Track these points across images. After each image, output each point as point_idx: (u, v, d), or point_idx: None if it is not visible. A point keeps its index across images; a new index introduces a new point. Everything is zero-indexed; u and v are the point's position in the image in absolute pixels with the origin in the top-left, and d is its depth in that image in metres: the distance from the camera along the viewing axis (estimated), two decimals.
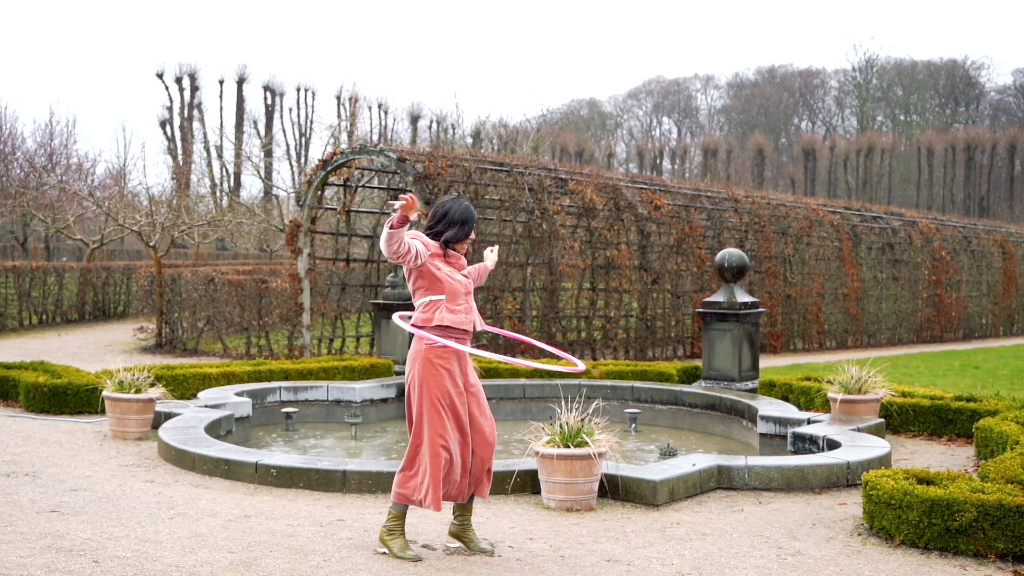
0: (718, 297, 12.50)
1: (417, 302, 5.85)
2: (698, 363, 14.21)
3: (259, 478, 7.69)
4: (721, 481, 7.72)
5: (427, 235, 5.92)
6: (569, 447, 6.89)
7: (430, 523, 6.50)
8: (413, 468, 5.74)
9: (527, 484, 7.43)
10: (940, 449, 9.62)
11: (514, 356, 16.23)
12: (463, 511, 5.89)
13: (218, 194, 49.27)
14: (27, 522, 6.23)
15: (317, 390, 11.71)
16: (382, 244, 5.58)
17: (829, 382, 10.36)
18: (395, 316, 6.14)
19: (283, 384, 11.66)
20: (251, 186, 53.36)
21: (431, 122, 55.29)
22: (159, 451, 8.69)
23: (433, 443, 5.64)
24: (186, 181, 43.91)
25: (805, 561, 5.82)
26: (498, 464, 7.63)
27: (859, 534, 6.38)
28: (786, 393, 11.50)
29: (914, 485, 6.16)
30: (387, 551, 5.73)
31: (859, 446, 8.40)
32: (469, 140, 45.00)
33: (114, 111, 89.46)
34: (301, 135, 59.37)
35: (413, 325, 5.78)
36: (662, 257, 20.51)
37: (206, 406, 10.12)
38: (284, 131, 58.39)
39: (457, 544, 5.95)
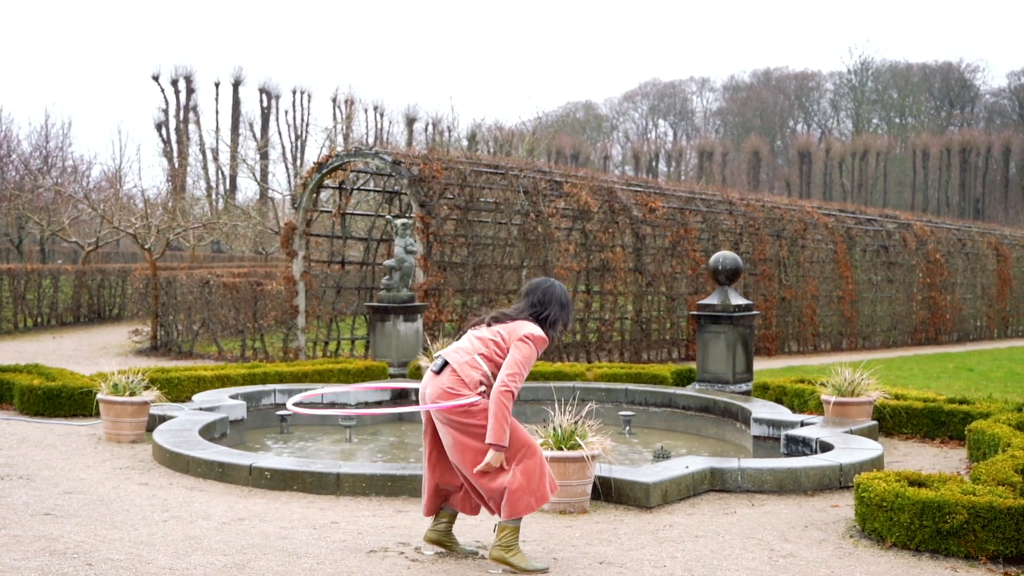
0: (712, 300, 12.53)
1: (483, 365, 5.61)
2: (692, 365, 14.23)
3: (253, 481, 7.70)
4: (714, 483, 7.74)
5: (530, 316, 5.76)
6: (562, 449, 6.91)
7: (422, 527, 6.50)
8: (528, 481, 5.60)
9: None
10: (933, 451, 9.65)
11: None
12: (451, 517, 5.90)
13: (214, 196, 49.26)
14: (21, 525, 6.24)
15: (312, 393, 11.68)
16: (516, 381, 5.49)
17: (823, 384, 10.39)
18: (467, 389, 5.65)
19: (278, 387, 11.67)
20: (247, 188, 53.42)
21: (427, 124, 55.28)
22: (153, 454, 8.70)
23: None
24: (182, 183, 43.93)
25: (797, 563, 5.84)
26: None
27: (851, 536, 6.41)
28: (780, 395, 11.52)
29: (906, 487, 6.18)
30: (512, 569, 5.55)
31: (852, 448, 8.43)
32: (465, 142, 45.01)
33: (110, 113, 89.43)
34: (297, 137, 59.37)
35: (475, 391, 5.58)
36: (657, 259, 20.55)
37: (200, 409, 10.14)
38: (280, 133, 58.39)
39: (437, 550, 5.94)
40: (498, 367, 5.60)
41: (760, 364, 17.94)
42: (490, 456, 5.46)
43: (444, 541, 5.88)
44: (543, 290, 5.85)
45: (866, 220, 27.61)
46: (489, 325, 5.76)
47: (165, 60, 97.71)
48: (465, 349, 5.69)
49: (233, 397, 10.89)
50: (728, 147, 75.92)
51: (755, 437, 9.96)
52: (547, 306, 5.82)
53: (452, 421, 5.56)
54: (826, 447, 8.63)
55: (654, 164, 77.82)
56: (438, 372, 5.63)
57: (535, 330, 5.67)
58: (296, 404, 6.29)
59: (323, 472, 7.58)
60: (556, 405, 7.26)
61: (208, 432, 9.26)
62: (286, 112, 59.76)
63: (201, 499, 7.21)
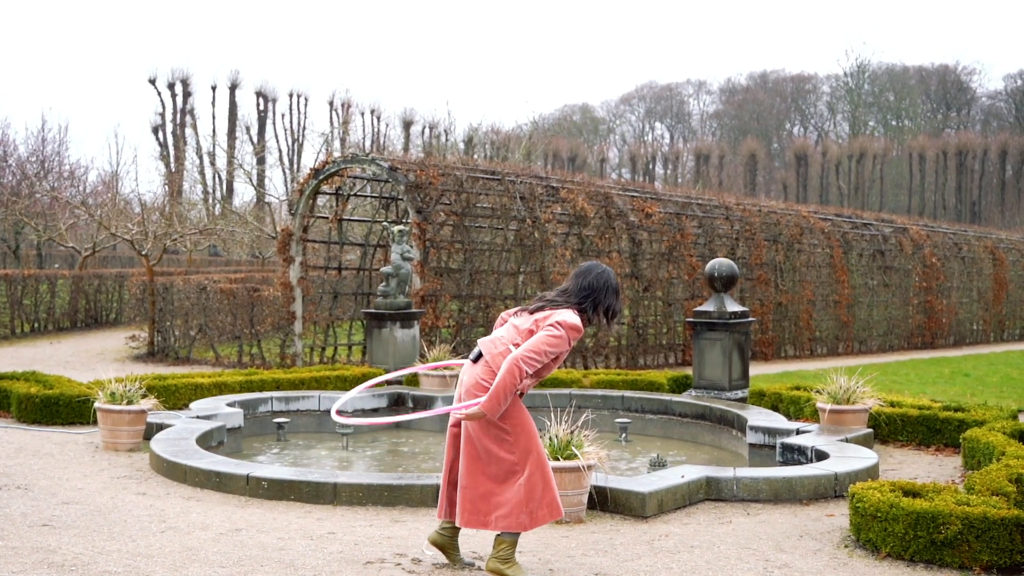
0: (708, 307, 12.54)
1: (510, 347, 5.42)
2: (689, 371, 14.26)
3: (250, 490, 7.71)
4: (710, 492, 7.77)
5: (575, 303, 5.49)
6: (559, 459, 6.92)
7: (419, 537, 6.53)
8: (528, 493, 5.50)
9: None
10: (928, 459, 9.68)
11: None
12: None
13: (210, 201, 49.22)
14: (19, 536, 6.26)
15: (309, 400, 11.73)
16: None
17: (818, 392, 10.42)
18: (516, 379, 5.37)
19: (275, 394, 11.69)
20: (243, 193, 53.28)
21: (424, 128, 55.30)
22: (151, 463, 8.71)
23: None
24: (178, 188, 43.82)
25: (792, 573, 5.87)
26: None
27: (846, 546, 6.44)
28: (775, 402, 11.55)
29: (900, 497, 6.21)
30: None
31: (847, 457, 8.46)
32: (461, 146, 45.04)
33: (106, 117, 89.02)
34: (294, 141, 59.28)
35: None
36: (653, 265, 20.58)
37: (197, 417, 10.15)
38: (276, 137, 58.30)
39: (434, 552, 5.96)
40: None
41: (756, 369, 17.96)
42: (474, 409, 5.33)
43: (447, 547, 5.87)
44: (595, 275, 5.55)
45: (862, 224, 27.66)
46: (532, 313, 5.54)
47: (162, 63, 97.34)
48: (501, 339, 5.50)
49: (230, 405, 10.91)
50: (725, 150, 75.98)
51: (751, 445, 9.98)
52: (597, 292, 5.53)
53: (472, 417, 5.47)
54: (821, 455, 8.66)
55: (651, 167, 77.87)
56: (475, 361, 5.52)
57: (569, 317, 5.38)
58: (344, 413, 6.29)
59: (320, 482, 7.60)
60: (552, 413, 7.29)
61: (205, 441, 9.28)
62: (283, 116, 59.70)
63: (198, 509, 7.23)
